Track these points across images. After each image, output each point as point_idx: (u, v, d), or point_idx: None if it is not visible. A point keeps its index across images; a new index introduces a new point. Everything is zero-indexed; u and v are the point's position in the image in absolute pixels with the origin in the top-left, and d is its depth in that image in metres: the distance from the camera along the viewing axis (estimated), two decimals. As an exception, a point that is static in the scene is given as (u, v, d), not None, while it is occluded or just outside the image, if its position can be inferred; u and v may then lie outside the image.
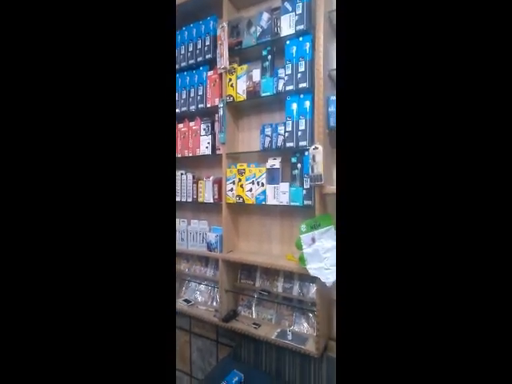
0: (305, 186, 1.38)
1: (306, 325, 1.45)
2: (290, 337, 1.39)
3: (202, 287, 1.86)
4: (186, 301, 1.83)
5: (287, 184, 1.43)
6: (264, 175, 1.51)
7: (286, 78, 1.44)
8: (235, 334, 1.62)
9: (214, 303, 1.78)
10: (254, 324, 1.52)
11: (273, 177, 1.49)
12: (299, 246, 1.29)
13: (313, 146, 1.27)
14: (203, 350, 1.85)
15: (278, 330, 1.46)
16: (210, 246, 1.67)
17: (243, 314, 1.65)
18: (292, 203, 1.41)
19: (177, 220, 1.88)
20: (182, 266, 1.96)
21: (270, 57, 1.52)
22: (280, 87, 1.47)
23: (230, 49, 1.59)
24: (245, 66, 1.58)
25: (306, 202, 1.37)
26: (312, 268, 1.24)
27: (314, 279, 1.34)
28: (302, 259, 1.28)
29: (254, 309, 1.63)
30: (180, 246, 1.82)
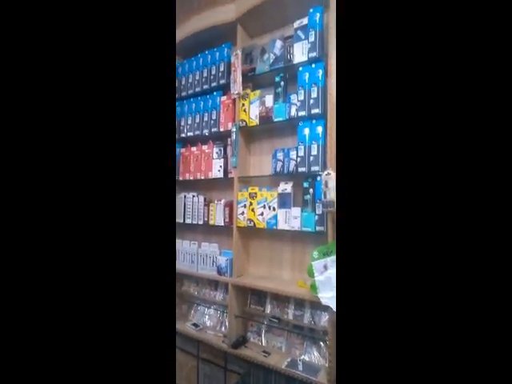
0: (317, 212, 1.36)
1: (317, 354, 1.40)
2: (300, 367, 1.34)
3: (211, 311, 1.84)
4: (194, 325, 1.80)
5: (299, 209, 1.43)
6: (275, 199, 1.50)
7: (298, 103, 1.46)
8: (244, 361, 1.57)
9: (223, 328, 1.74)
10: (263, 352, 1.48)
11: (284, 201, 1.48)
12: (311, 273, 1.26)
13: (325, 172, 1.26)
14: (211, 377, 1.79)
15: (289, 360, 1.41)
16: (220, 270, 1.65)
17: (252, 341, 1.61)
18: (304, 228, 1.39)
19: (187, 242, 1.88)
20: (191, 289, 1.94)
21: (282, 83, 1.55)
22: (292, 113, 1.49)
23: (244, 75, 1.63)
24: (258, 92, 1.62)
25: (318, 228, 1.35)
26: (324, 297, 1.21)
27: (326, 307, 1.31)
28: (313, 287, 1.25)
29: (263, 336, 1.59)
30: (190, 268, 1.81)
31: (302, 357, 1.43)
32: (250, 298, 1.65)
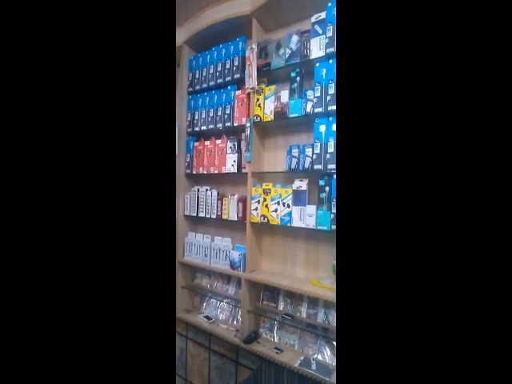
0: (333, 211, 1.35)
1: (330, 355, 1.40)
2: (314, 366, 1.35)
3: (224, 305, 1.85)
4: (206, 317, 1.82)
5: (314, 207, 1.41)
6: (290, 196, 1.49)
7: (314, 100, 1.43)
8: (255, 357, 1.59)
9: (235, 322, 1.76)
10: (275, 348, 1.49)
11: (299, 198, 1.47)
12: (335, 272, 1.26)
13: (342, 171, 1.24)
14: (222, 370, 1.83)
15: (302, 358, 1.42)
16: (233, 264, 1.66)
17: (264, 337, 1.62)
18: (319, 227, 1.38)
19: (200, 236, 1.89)
20: (203, 282, 1.96)
21: (298, 78, 1.52)
22: (308, 109, 1.46)
23: (259, 70, 1.60)
24: (273, 87, 1.59)
25: (333, 227, 1.34)
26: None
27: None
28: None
29: (275, 332, 1.60)
30: (203, 261, 1.83)
31: (315, 355, 1.44)
32: (263, 293, 1.66)
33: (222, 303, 1.86)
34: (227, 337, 1.65)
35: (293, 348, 1.52)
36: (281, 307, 1.57)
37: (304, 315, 1.48)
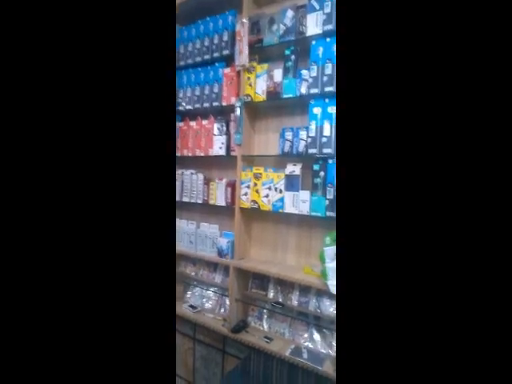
0: (328, 196, 1.30)
1: (322, 342, 1.38)
2: (305, 355, 1.33)
3: (210, 293, 1.79)
4: (191, 306, 1.75)
5: (308, 192, 1.36)
6: (282, 181, 1.43)
7: (310, 80, 1.36)
8: (243, 345, 1.55)
9: (222, 310, 1.71)
10: (265, 337, 1.46)
11: (292, 183, 1.41)
12: (322, 259, 1.22)
13: (340, 155, 1.19)
14: (208, 359, 1.78)
15: (292, 347, 1.39)
16: (220, 252, 1.59)
17: (253, 326, 1.58)
18: (313, 213, 1.33)
19: (185, 222, 1.80)
20: (187, 270, 1.88)
21: (293, 57, 1.43)
22: (303, 90, 1.39)
23: (250, 46, 1.50)
24: (265, 65, 1.50)
25: (328, 214, 1.29)
26: (333, 285, 1.17)
27: (334, 295, 1.28)
28: (324, 273, 1.22)
29: (265, 321, 1.56)
30: (188, 249, 1.74)
31: (306, 344, 1.41)
32: (252, 281, 1.61)
33: (207, 292, 1.80)
34: (214, 326, 1.60)
35: (283, 337, 1.49)
36: (271, 295, 1.52)
37: (295, 303, 1.45)
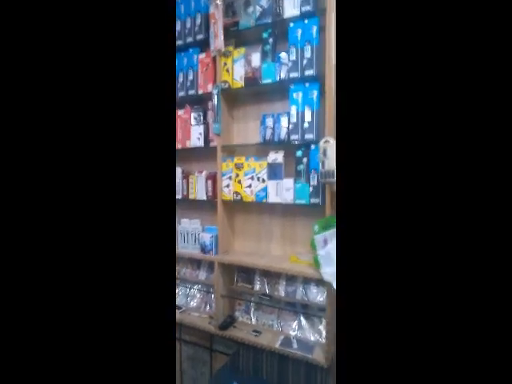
0: (311, 183, 1.27)
1: (311, 331, 1.36)
2: (295, 345, 1.30)
3: (194, 292, 1.72)
4: (176, 307, 1.68)
5: (291, 180, 1.32)
6: (265, 170, 1.38)
7: (289, 63, 1.31)
8: (231, 341, 1.50)
9: (208, 308, 1.65)
10: (254, 331, 1.41)
11: (275, 172, 1.36)
12: (314, 247, 1.18)
13: (323, 140, 1.16)
14: (195, 359, 1.71)
15: (282, 338, 1.35)
16: (204, 248, 1.52)
17: (241, 320, 1.53)
18: (297, 201, 1.29)
19: (164, 219, 1.71)
20: (169, 269, 1.80)
21: (271, 40, 1.38)
22: (283, 74, 1.34)
23: (225, 29, 1.43)
24: (242, 50, 1.43)
25: (313, 201, 1.26)
26: (326, 272, 1.14)
27: (321, 282, 1.26)
28: (316, 261, 1.19)
29: (252, 314, 1.51)
30: (168, 247, 1.66)
31: (295, 333, 1.38)
32: (237, 275, 1.55)
33: (191, 290, 1.73)
34: (200, 325, 1.53)
35: (271, 328, 1.45)
36: (257, 287, 1.48)
37: (282, 293, 1.41)
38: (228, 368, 1.47)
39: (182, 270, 1.74)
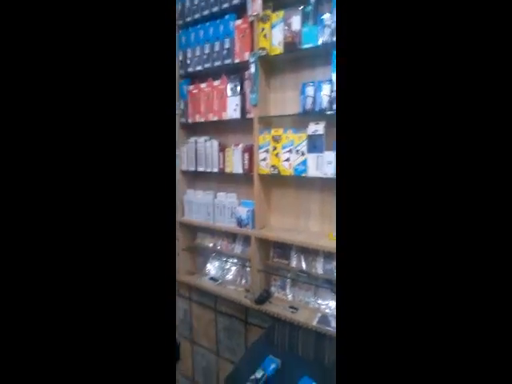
0: (355, 156, 1.18)
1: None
2: (333, 323, 1.26)
3: (229, 265, 1.73)
4: (212, 279, 1.71)
5: (333, 153, 1.24)
6: (304, 143, 1.31)
7: (333, 25, 1.20)
8: (266, 315, 1.50)
9: (243, 281, 1.66)
10: (290, 307, 1.40)
11: (315, 144, 1.29)
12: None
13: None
14: (230, 330, 1.75)
15: (319, 315, 1.33)
16: (240, 222, 1.51)
17: (277, 296, 1.52)
18: (339, 175, 1.22)
19: (201, 192, 1.72)
20: (206, 241, 1.82)
21: (313, 0, 1.26)
22: (326, 37, 1.23)
23: (263, -8, 1.33)
24: (281, 13, 1.33)
25: (356, 174, 1.18)
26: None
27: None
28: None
29: (288, 290, 1.50)
30: (205, 220, 1.67)
31: (333, 311, 1.35)
32: (274, 250, 1.53)
33: (227, 263, 1.74)
34: (236, 298, 1.55)
35: (308, 305, 1.43)
36: (293, 264, 1.45)
37: (320, 271, 1.37)
38: (263, 341, 1.48)
39: (218, 243, 1.76)
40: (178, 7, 1.65)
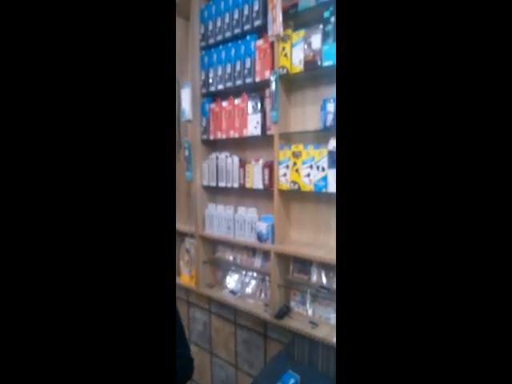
0: (376, 172, 1.18)
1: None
2: (355, 341, 1.25)
3: (249, 278, 1.75)
4: (232, 292, 1.73)
5: (353, 169, 1.24)
6: (325, 158, 1.32)
7: (352, 43, 1.22)
8: (286, 330, 1.49)
9: (263, 295, 1.66)
10: (310, 323, 1.39)
11: (335, 160, 1.30)
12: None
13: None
14: (250, 343, 1.75)
15: (340, 332, 1.31)
16: (260, 237, 1.53)
17: (297, 311, 1.52)
18: (359, 191, 1.22)
19: (222, 207, 1.76)
20: (226, 255, 1.85)
21: (333, 19, 1.30)
22: (345, 55, 1.25)
23: (284, 13, 1.38)
24: (301, 32, 1.37)
25: (377, 191, 1.18)
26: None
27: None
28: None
29: (308, 305, 1.49)
30: (226, 234, 1.70)
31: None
32: (293, 265, 1.54)
33: (246, 277, 1.76)
34: (255, 312, 1.56)
35: (328, 321, 1.41)
36: (314, 279, 1.45)
37: (341, 288, 1.36)
38: (283, 356, 1.48)
39: (238, 257, 1.78)
40: (201, 30, 1.73)
